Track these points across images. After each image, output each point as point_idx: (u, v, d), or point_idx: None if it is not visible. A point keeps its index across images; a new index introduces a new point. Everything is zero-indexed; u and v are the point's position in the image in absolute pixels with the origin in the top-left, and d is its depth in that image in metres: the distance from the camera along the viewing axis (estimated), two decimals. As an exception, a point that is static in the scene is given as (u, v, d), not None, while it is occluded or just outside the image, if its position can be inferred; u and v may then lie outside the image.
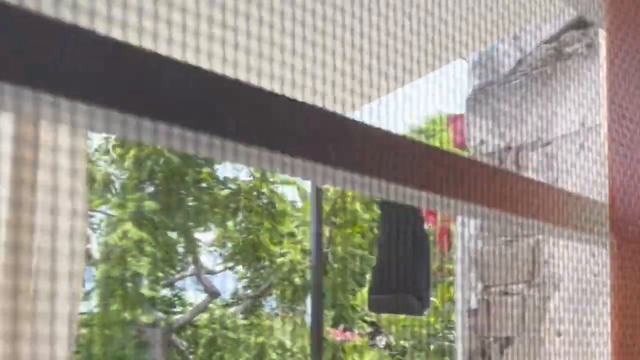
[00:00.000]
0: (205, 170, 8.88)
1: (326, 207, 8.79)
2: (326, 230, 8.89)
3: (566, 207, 1.35)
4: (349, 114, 1.19)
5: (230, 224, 9.29)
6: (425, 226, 2.78)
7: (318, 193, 3.20)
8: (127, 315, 8.49)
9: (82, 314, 9.06)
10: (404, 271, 2.72)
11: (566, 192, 1.44)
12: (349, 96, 1.32)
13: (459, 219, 2.59)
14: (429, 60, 1.56)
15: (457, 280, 2.71)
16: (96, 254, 8.80)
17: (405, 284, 2.72)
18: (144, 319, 8.69)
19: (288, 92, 1.09)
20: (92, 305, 8.87)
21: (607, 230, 1.44)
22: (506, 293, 2.54)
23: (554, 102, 2.55)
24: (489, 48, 2.78)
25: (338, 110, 1.18)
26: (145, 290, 8.56)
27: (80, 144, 1.67)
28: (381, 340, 9.10)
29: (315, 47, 1.21)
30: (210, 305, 9.29)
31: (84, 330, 8.85)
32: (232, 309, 9.52)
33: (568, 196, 1.41)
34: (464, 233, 2.60)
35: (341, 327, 9.14)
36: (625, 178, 1.50)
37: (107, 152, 9.36)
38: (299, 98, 1.09)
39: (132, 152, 8.92)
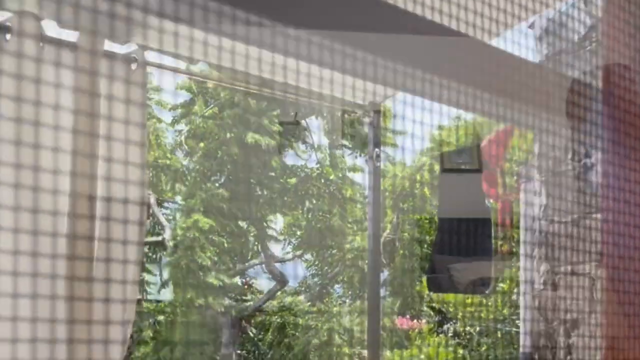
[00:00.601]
0: (275, 158, 8.94)
1: (395, 193, 8.69)
2: (394, 217, 8.79)
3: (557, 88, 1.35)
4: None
5: (299, 211, 9.33)
6: (488, 202, 2.65)
7: (377, 173, 3.12)
8: (200, 302, 8.67)
9: (158, 301, 9.35)
10: (465, 249, 2.61)
11: (555, 72, 1.46)
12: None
13: (523, 195, 2.46)
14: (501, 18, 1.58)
15: (521, 260, 2.58)
16: (170, 244, 9.02)
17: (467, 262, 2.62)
18: (216, 306, 8.85)
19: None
20: (167, 293, 9.12)
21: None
22: (573, 274, 2.40)
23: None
24: (558, 15, 2.63)
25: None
26: (216, 279, 8.71)
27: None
28: (449, 329, 8.94)
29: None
30: (279, 292, 9.38)
31: (160, 317, 9.11)
32: (300, 296, 9.58)
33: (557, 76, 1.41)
34: (528, 211, 2.48)
35: (408, 315, 9.04)
36: (620, 57, 1.46)
37: (180, 144, 9.56)
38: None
39: (202, 144, 9.08)
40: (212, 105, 9.01)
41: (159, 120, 9.22)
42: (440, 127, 7.01)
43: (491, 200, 2.63)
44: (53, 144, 1.67)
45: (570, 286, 2.32)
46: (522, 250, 2.59)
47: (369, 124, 2.72)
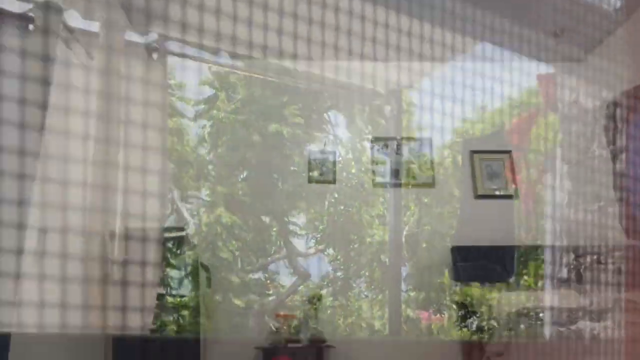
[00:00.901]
0: (296, 152, 8.95)
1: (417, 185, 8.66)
2: (416, 210, 8.76)
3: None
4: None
5: (321, 205, 9.35)
6: (511, 188, 2.61)
7: (398, 166, 3.09)
8: (221, 297, 8.72)
9: (182, 296, 9.40)
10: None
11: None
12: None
13: (548, 182, 2.42)
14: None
15: (545, 249, 2.54)
16: (193, 239, 9.08)
17: (489, 250, 2.58)
18: (237, 301, 8.88)
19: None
20: (190, 288, 9.17)
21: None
22: (600, 262, 2.35)
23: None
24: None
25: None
26: (238, 274, 8.75)
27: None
28: (472, 323, 8.89)
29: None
30: (301, 287, 9.40)
31: (183, 312, 9.16)
32: (322, 291, 9.59)
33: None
34: (553, 197, 2.44)
35: (430, 309, 9.00)
36: None
37: (203, 139, 9.63)
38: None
39: (224, 138, 9.12)
40: (235, 101, 9.05)
41: (182, 116, 9.30)
42: (464, 120, 6.96)
43: (514, 186, 2.59)
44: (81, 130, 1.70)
45: (595, 276, 2.27)
46: (546, 238, 2.55)
47: (390, 112, 2.70)
